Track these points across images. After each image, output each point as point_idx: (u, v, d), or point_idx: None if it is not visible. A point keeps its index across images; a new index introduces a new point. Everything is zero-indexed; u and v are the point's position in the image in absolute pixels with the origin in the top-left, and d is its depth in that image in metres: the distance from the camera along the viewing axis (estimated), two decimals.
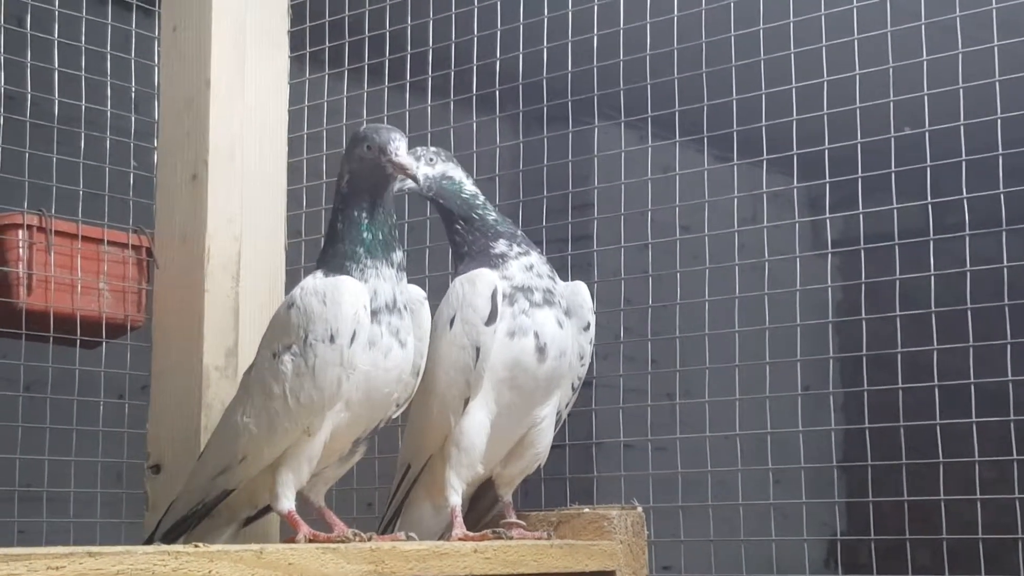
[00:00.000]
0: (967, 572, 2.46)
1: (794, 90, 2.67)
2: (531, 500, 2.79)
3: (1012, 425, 2.46)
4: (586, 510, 2.44)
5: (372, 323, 2.20)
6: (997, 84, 2.45)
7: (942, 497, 2.53)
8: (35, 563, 1.64)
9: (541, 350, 2.35)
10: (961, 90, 2.46)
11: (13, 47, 2.81)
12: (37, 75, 2.83)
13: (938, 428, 2.51)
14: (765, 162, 2.74)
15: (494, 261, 2.39)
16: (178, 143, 2.86)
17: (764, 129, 2.71)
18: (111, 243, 2.85)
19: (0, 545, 1.73)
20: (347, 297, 2.19)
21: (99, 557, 1.71)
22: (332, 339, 2.18)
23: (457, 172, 2.49)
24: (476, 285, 2.35)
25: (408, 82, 3.04)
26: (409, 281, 2.76)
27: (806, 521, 2.76)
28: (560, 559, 2.29)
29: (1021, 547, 2.40)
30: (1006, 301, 2.45)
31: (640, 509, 2.46)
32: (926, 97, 2.53)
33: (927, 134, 2.55)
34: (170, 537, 2.38)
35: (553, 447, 2.79)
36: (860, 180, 2.62)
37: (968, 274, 2.50)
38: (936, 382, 2.50)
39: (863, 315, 2.73)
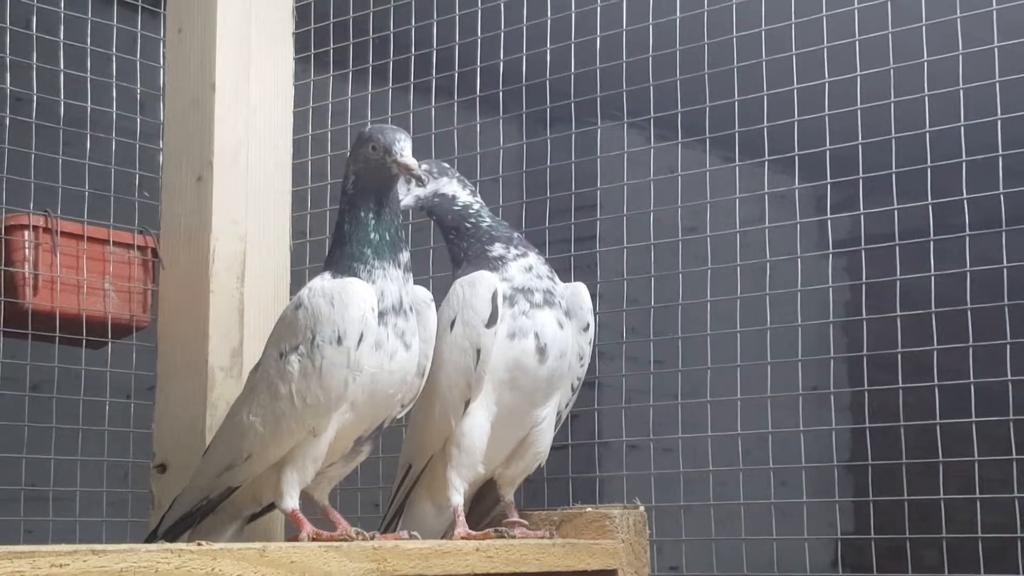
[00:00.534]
0: (968, 571, 2.47)
1: (795, 91, 2.67)
2: (536, 500, 2.79)
3: (1011, 424, 2.47)
4: (588, 509, 2.44)
5: (379, 325, 2.21)
6: (997, 85, 2.45)
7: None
8: (39, 561, 1.66)
9: (541, 351, 2.36)
10: (961, 91, 2.47)
11: (19, 49, 2.83)
12: (43, 77, 2.85)
13: (938, 428, 2.52)
14: (767, 163, 2.75)
15: (493, 264, 2.40)
16: (183, 144, 2.87)
17: (766, 130, 2.71)
18: (116, 244, 2.87)
19: (6, 544, 1.74)
20: (355, 299, 2.20)
21: (103, 555, 1.72)
22: (339, 341, 2.19)
23: (450, 187, 2.50)
24: (476, 287, 2.36)
25: (412, 83, 3.05)
26: (414, 282, 2.79)
27: (812, 521, 2.76)
28: (562, 558, 2.30)
29: (1020, 546, 2.41)
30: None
31: (642, 508, 2.47)
32: (926, 98, 2.53)
33: (928, 134, 2.55)
34: (173, 533, 2.39)
35: (557, 447, 2.80)
36: (861, 181, 2.62)
37: (969, 274, 2.51)
38: (935, 381, 2.51)
39: (865, 315, 2.73)
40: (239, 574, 1.85)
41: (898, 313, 2.58)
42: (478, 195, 2.53)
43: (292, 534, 2.26)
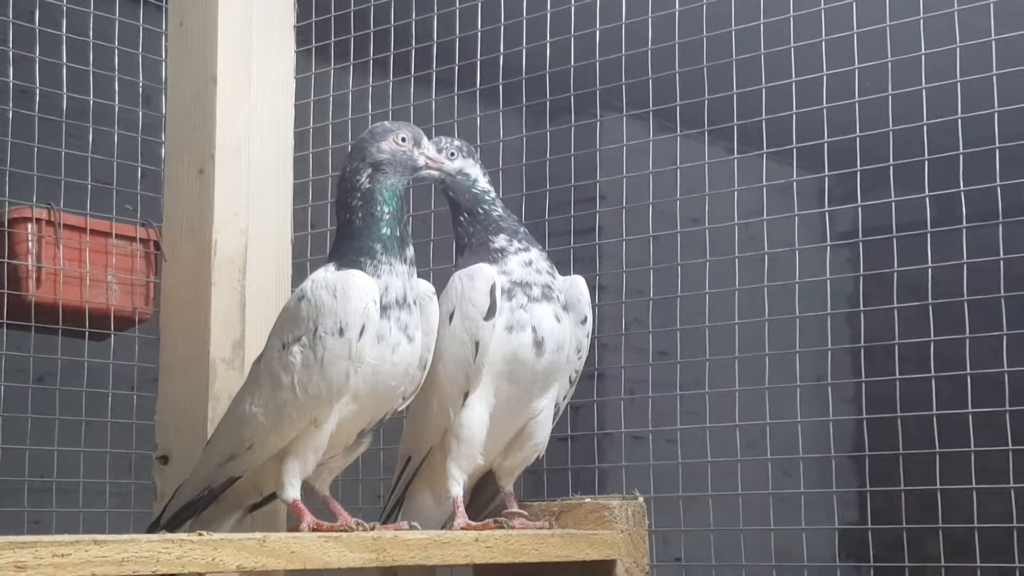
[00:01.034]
0: (966, 561, 2.49)
1: (794, 83, 2.69)
2: (537, 491, 2.80)
3: (1007, 415, 2.48)
4: (587, 500, 2.46)
5: (381, 318, 2.23)
6: (995, 77, 2.47)
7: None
8: (41, 551, 1.67)
9: (539, 344, 2.37)
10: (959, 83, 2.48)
11: (23, 42, 2.84)
12: (46, 70, 2.86)
13: (935, 419, 2.53)
14: (765, 155, 2.76)
15: (493, 255, 2.41)
16: (185, 138, 2.89)
17: (764, 122, 2.73)
18: (119, 236, 2.88)
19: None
20: (356, 291, 2.21)
21: (104, 545, 1.74)
22: (341, 332, 2.20)
23: (475, 169, 2.51)
24: (475, 280, 2.37)
25: (413, 76, 3.07)
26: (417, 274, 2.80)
27: (812, 511, 2.77)
28: (560, 548, 2.31)
29: (1017, 536, 2.42)
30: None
31: (641, 499, 2.48)
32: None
33: (926, 126, 2.56)
34: (175, 523, 2.41)
35: (559, 438, 2.82)
36: (859, 173, 2.63)
37: (967, 265, 2.52)
38: (933, 372, 2.52)
39: (864, 306, 2.74)
40: (239, 564, 1.87)
41: (895, 305, 2.60)
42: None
43: (293, 524, 2.27)
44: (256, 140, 2.92)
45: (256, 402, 2.30)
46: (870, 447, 2.69)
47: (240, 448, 2.33)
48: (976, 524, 2.48)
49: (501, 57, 2.98)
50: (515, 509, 2.46)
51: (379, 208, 2.29)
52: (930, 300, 2.57)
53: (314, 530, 2.17)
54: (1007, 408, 2.47)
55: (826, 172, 2.71)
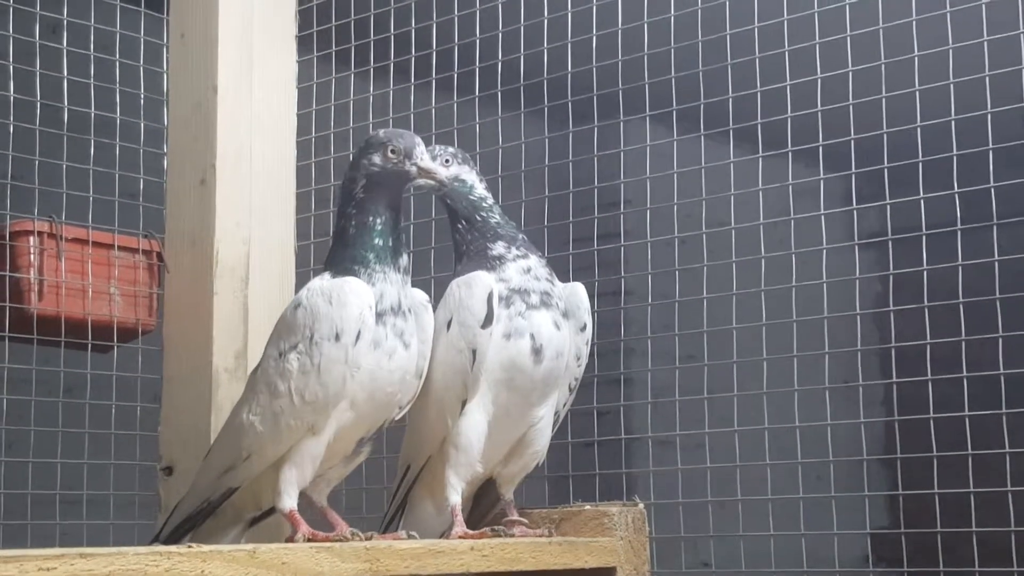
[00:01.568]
0: (1001, 565, 2.46)
1: (819, 81, 2.64)
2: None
3: None
4: (587, 507, 2.45)
5: (377, 325, 2.24)
6: None
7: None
8: (26, 564, 1.67)
9: (537, 352, 2.36)
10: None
11: (22, 57, 2.85)
12: (47, 83, 2.87)
13: (967, 420, 2.49)
14: (790, 154, 2.72)
15: (491, 263, 2.41)
16: (186, 148, 2.90)
17: (790, 120, 2.69)
18: (122, 248, 2.89)
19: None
20: (352, 297, 2.23)
21: (90, 558, 1.74)
22: (337, 338, 2.22)
23: (471, 175, 2.51)
24: (472, 288, 2.37)
25: (413, 84, 3.06)
26: (413, 282, 2.80)
27: (843, 516, 2.73)
28: (558, 556, 2.30)
29: None
30: None
31: (641, 506, 2.47)
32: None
33: (954, 122, 2.52)
34: (175, 536, 2.41)
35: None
36: (886, 171, 2.59)
37: (997, 264, 2.48)
38: (965, 373, 2.48)
39: (893, 306, 2.69)
40: None
41: (926, 304, 2.55)
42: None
43: (288, 535, 2.27)
44: (258, 150, 2.93)
45: (254, 411, 2.31)
46: (902, 449, 2.64)
47: (238, 458, 2.33)
48: (1012, 527, 2.44)
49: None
50: (515, 517, 2.46)
51: (371, 218, 2.30)
52: (960, 299, 2.52)
53: (309, 540, 2.16)
54: None
55: (853, 169, 2.66)
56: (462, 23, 2.98)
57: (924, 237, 2.56)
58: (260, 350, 2.57)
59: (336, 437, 2.29)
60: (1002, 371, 2.48)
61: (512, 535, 2.36)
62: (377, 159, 2.32)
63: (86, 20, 2.95)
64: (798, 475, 2.75)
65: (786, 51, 2.69)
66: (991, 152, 2.46)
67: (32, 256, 2.76)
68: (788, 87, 2.69)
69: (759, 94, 2.72)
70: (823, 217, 2.77)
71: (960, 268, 2.53)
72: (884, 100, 2.60)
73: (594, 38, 2.88)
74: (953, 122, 2.53)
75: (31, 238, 2.77)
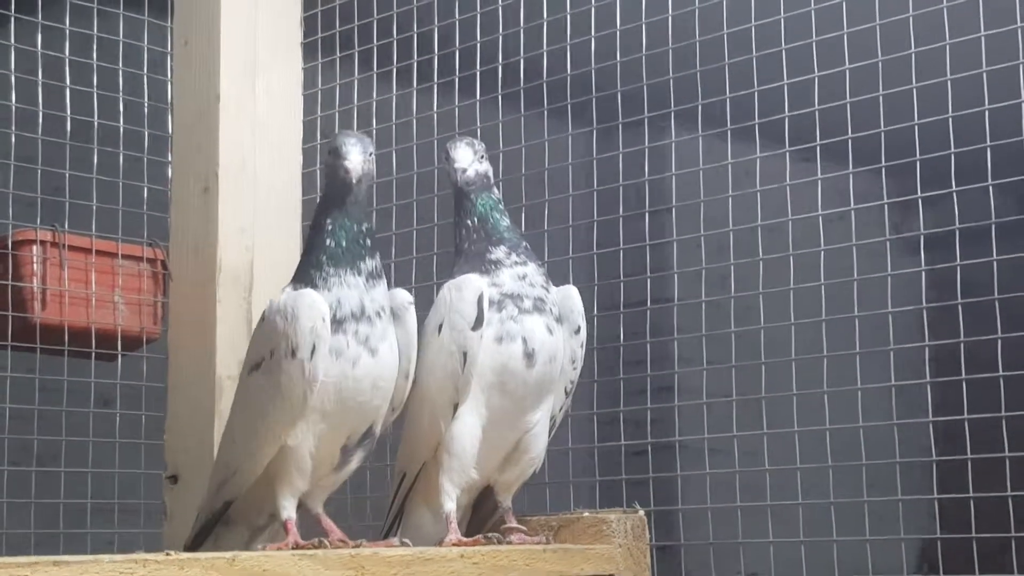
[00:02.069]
0: None
1: (847, 72, 2.58)
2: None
3: None
4: (586, 514, 2.42)
5: (337, 333, 2.21)
6: None
7: None
8: None
9: (529, 355, 2.34)
10: None
11: (25, 66, 2.86)
12: (49, 92, 2.88)
13: (1003, 421, 2.42)
14: (819, 148, 2.64)
15: (486, 267, 2.38)
16: (190, 156, 2.90)
17: (817, 115, 2.61)
18: (126, 257, 2.89)
19: None
20: (305, 311, 2.21)
21: (65, 566, 1.72)
22: (293, 354, 2.21)
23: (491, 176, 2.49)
24: (462, 291, 2.35)
25: (418, 87, 3.05)
26: (417, 287, 2.79)
27: (890, 520, 2.65)
28: (553, 563, 2.27)
29: None
30: None
31: (642, 512, 2.44)
32: None
33: None
34: (196, 544, 2.42)
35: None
36: (918, 163, 2.51)
37: None
38: (1001, 372, 2.42)
39: (924, 303, 2.62)
40: None
41: (959, 300, 2.47)
42: None
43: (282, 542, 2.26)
44: (262, 157, 2.93)
45: (234, 428, 2.35)
46: (937, 452, 2.58)
47: (228, 474, 2.35)
48: None
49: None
50: (513, 524, 2.43)
51: (323, 219, 2.29)
52: (996, 295, 2.46)
53: (295, 548, 2.15)
54: None
55: (883, 162, 2.58)
56: (463, 25, 2.95)
57: (957, 230, 2.49)
58: None
59: (316, 447, 2.28)
60: None
61: (509, 542, 2.33)
62: (328, 160, 2.32)
63: (89, 29, 2.95)
64: (828, 479, 2.68)
65: (813, 41, 2.62)
66: None
67: (35, 265, 2.76)
68: (816, 78, 2.62)
69: (785, 86, 2.65)
70: (853, 213, 2.70)
71: (995, 263, 2.46)
72: (915, 91, 2.52)
73: (617, 34, 2.84)
74: (987, 112, 2.44)
75: (34, 247, 2.77)
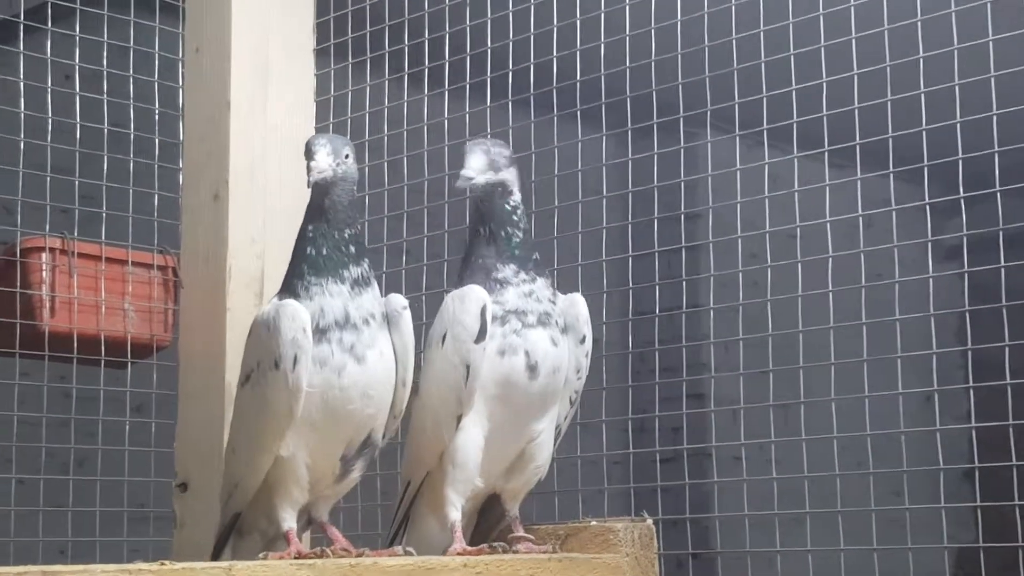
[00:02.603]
0: None
1: (888, 73, 2.54)
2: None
3: None
4: (593, 523, 2.40)
5: (321, 342, 2.19)
6: None
7: None
8: None
9: (532, 368, 2.32)
10: None
11: (36, 74, 2.86)
12: (57, 99, 2.88)
13: None
14: (858, 149, 2.59)
15: (491, 284, 2.35)
16: (200, 163, 2.89)
17: (856, 115, 2.57)
18: (136, 264, 2.88)
19: None
20: (286, 322, 2.20)
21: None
22: (276, 365, 2.20)
23: (512, 179, 2.43)
24: (465, 303, 2.33)
25: (427, 93, 3.03)
26: (428, 294, 2.76)
27: (932, 529, 2.61)
28: (558, 573, 2.25)
29: None
30: None
31: (650, 521, 2.42)
32: None
33: None
34: (215, 555, 2.42)
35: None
36: (960, 161, 2.46)
37: None
38: None
39: (967, 306, 2.56)
40: None
41: (1003, 303, 2.42)
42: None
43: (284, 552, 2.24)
44: (273, 164, 2.91)
45: (233, 440, 2.36)
46: (980, 459, 2.53)
47: (232, 486, 2.36)
48: None
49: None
50: (521, 533, 2.41)
51: (306, 227, 2.27)
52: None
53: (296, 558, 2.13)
54: None
55: (925, 161, 2.53)
56: (474, 31, 2.93)
57: (1000, 232, 2.44)
58: None
59: (312, 457, 2.26)
60: None
61: (515, 551, 2.31)
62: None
63: (100, 36, 2.95)
64: (869, 487, 2.63)
65: (853, 38, 2.58)
66: None
67: (44, 272, 2.76)
68: (855, 82, 2.57)
69: (824, 96, 2.61)
70: (894, 214, 2.65)
71: None
72: (957, 88, 2.47)
73: (652, 33, 2.80)
74: None
75: (43, 254, 2.77)
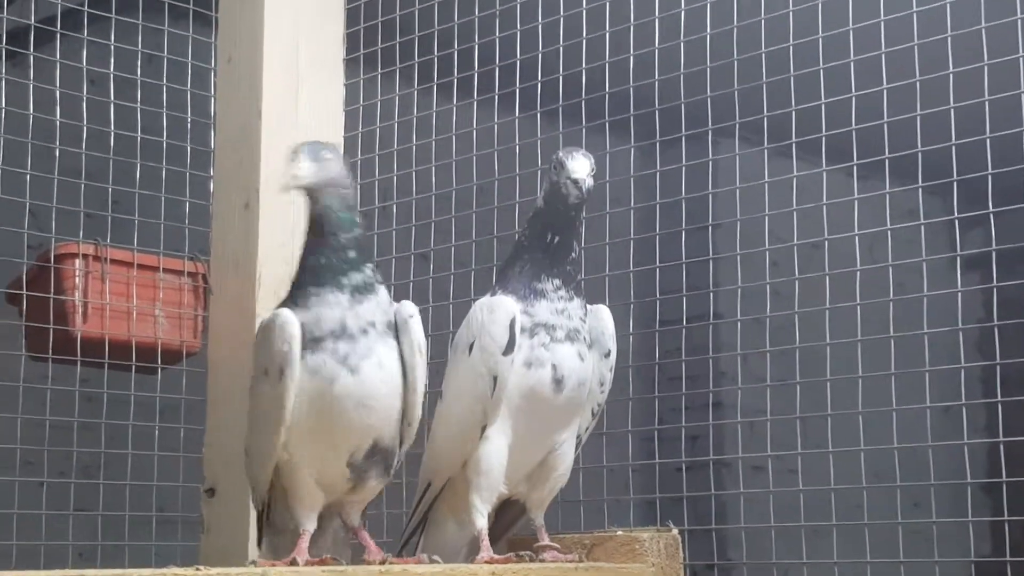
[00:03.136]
0: None
1: (917, 84, 2.55)
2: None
3: None
4: (619, 532, 2.40)
5: (316, 352, 2.18)
6: None
7: None
8: None
9: (558, 382, 2.32)
10: None
11: (70, 81, 2.89)
12: (93, 106, 2.91)
13: None
14: (887, 162, 2.61)
15: (526, 293, 2.34)
16: (232, 172, 2.91)
17: (886, 130, 2.57)
18: (167, 271, 2.91)
19: None
20: (276, 333, 2.20)
21: None
22: (267, 373, 2.22)
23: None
24: (495, 313, 2.32)
25: (458, 103, 3.05)
26: (455, 303, 2.78)
27: (958, 542, 2.61)
28: None
29: None
30: None
31: (675, 531, 2.43)
32: None
33: None
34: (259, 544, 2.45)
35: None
36: (990, 177, 2.46)
37: None
38: None
39: (995, 320, 2.56)
40: None
41: None
42: None
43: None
44: None
45: (245, 441, 2.37)
46: (1007, 473, 2.53)
47: (251, 486, 2.38)
48: None
49: (538, 81, 2.92)
50: (547, 542, 2.42)
51: (307, 237, 2.27)
52: None
53: (308, 564, 2.15)
54: None
55: (955, 175, 2.53)
56: (503, 43, 2.95)
57: None
58: None
59: (314, 464, 2.26)
60: None
61: (542, 560, 2.32)
62: None
63: (134, 45, 2.98)
64: (896, 500, 2.63)
65: (883, 53, 2.58)
66: None
67: (77, 279, 2.79)
68: (884, 94, 2.57)
69: (853, 105, 2.62)
70: (923, 227, 2.64)
71: None
72: (987, 103, 2.46)
73: (682, 45, 2.81)
74: None
75: (76, 261, 2.80)
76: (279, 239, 2.87)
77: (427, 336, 2.80)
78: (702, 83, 2.79)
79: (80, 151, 2.88)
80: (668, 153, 2.91)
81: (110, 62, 2.94)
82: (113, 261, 2.84)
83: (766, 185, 2.78)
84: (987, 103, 2.47)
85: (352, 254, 2.23)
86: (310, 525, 2.27)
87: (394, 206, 3.09)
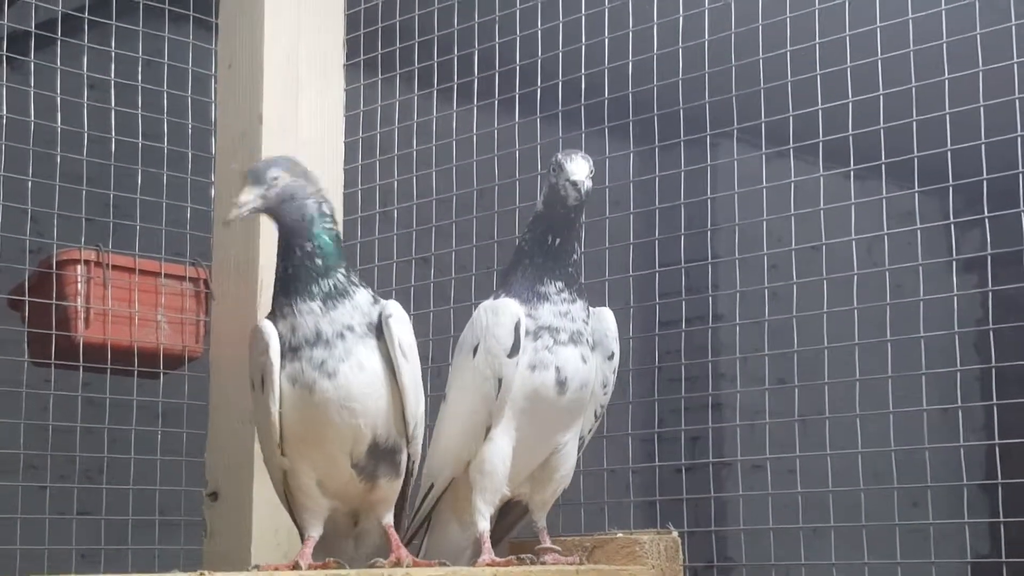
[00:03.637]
0: None
1: (913, 90, 2.55)
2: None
3: None
4: (619, 535, 2.42)
5: (294, 360, 2.22)
6: None
7: None
8: None
9: (561, 384, 2.34)
10: None
11: (70, 87, 2.90)
12: (94, 112, 2.92)
13: None
14: (884, 168, 2.62)
15: (530, 296, 2.36)
16: (233, 176, 2.91)
17: (882, 134, 2.59)
18: (169, 276, 2.92)
19: None
20: (254, 344, 2.27)
21: None
22: (252, 385, 2.29)
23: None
24: (499, 316, 2.34)
25: (458, 109, 3.07)
26: (455, 307, 2.79)
27: (955, 543, 2.63)
28: None
29: None
30: None
31: (675, 533, 2.44)
32: None
33: None
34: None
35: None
36: (985, 183, 2.47)
37: None
38: None
39: (991, 324, 2.57)
40: None
41: None
42: None
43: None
44: None
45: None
46: (1004, 474, 2.55)
47: (277, 492, 2.42)
48: None
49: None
50: (548, 544, 2.44)
51: (277, 250, 2.31)
52: None
53: (311, 568, 2.17)
54: None
55: (951, 180, 2.54)
56: (503, 48, 2.97)
57: None
58: None
59: (314, 468, 2.29)
60: None
61: (543, 562, 2.34)
62: None
63: (134, 51, 2.99)
64: (894, 501, 2.65)
65: (879, 58, 2.60)
66: None
67: (79, 284, 2.80)
68: (881, 97, 2.60)
69: (850, 106, 2.63)
70: (919, 232, 2.66)
71: None
72: (982, 110, 2.48)
73: (680, 50, 2.82)
74: None
75: (78, 267, 2.81)
76: None
77: (428, 340, 2.84)
78: (701, 88, 2.81)
79: (81, 157, 2.89)
80: (667, 157, 2.93)
81: (111, 68, 2.95)
82: (115, 266, 2.85)
83: (764, 189, 2.79)
84: (982, 108, 2.49)
85: (319, 262, 2.25)
86: (315, 531, 2.29)
87: (395, 210, 3.10)
